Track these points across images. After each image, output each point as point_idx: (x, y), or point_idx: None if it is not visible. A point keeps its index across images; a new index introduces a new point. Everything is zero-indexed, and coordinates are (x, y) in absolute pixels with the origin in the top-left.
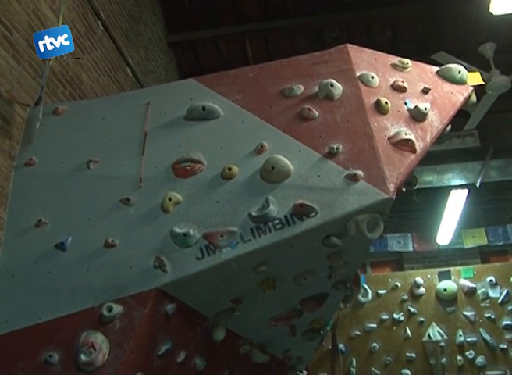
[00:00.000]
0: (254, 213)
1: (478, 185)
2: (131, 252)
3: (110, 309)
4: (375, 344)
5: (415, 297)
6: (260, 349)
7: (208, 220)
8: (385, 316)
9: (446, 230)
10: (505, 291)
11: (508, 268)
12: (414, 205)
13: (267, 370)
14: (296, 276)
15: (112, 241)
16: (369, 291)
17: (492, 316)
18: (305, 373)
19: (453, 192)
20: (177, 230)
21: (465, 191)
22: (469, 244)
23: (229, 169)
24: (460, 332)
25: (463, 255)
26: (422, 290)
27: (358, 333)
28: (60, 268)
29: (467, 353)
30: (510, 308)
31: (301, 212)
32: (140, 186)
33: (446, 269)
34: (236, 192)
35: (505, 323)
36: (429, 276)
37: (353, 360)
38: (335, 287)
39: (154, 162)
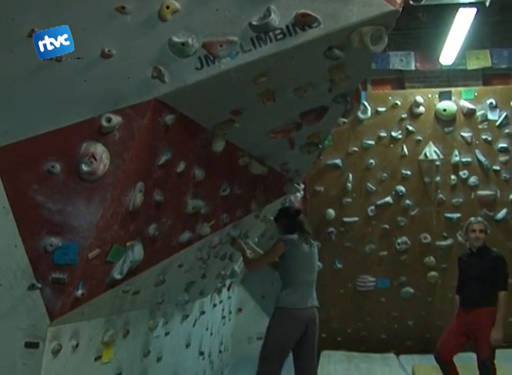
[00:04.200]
0: (254, 22)
1: (487, 4)
2: (128, 62)
3: (109, 120)
4: (371, 161)
5: (414, 116)
6: (258, 161)
7: (207, 29)
8: (383, 134)
9: (450, 49)
10: (504, 114)
11: (509, 91)
12: (418, 23)
13: (265, 182)
14: (297, 89)
15: (109, 50)
16: (368, 108)
17: (489, 138)
18: (302, 186)
19: (461, 10)
20: (175, 39)
21: (473, 10)
22: (472, 65)
23: None
24: (456, 152)
25: (465, 77)
26: (422, 109)
27: (356, 149)
28: (57, 79)
29: (460, 173)
30: (507, 131)
31: (303, 22)
32: None
33: (447, 89)
34: (236, 0)
35: (500, 145)
36: (430, 95)
37: (350, 175)
38: (335, 101)
39: None
